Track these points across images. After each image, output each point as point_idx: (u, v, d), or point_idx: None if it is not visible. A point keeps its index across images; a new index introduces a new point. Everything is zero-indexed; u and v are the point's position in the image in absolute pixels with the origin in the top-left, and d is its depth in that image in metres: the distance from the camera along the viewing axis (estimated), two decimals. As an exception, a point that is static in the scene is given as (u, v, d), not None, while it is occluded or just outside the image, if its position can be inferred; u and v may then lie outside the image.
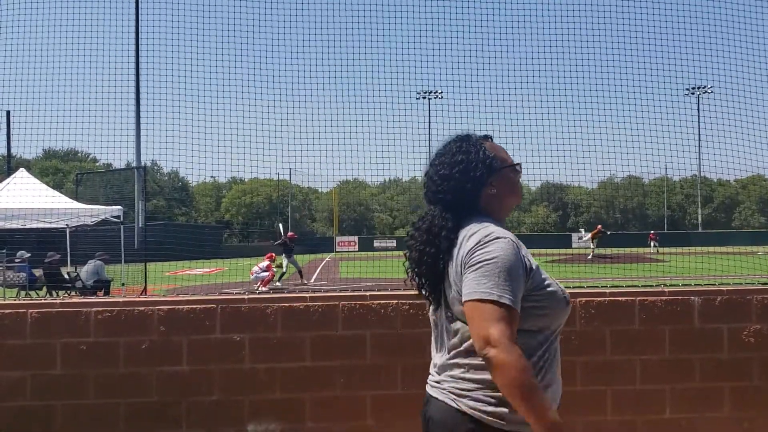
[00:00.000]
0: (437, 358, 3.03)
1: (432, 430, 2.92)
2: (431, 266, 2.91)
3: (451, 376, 2.87)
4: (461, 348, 2.84)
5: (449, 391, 2.85)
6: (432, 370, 3.08)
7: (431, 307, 3.10)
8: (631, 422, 6.56)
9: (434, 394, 2.95)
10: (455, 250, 2.83)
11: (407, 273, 3.12)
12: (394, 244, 72.83)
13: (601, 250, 40.44)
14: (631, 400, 6.55)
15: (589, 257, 39.12)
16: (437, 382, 2.96)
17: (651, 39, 10.09)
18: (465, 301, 2.69)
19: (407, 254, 3.10)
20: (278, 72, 10.13)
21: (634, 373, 6.56)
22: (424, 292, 3.06)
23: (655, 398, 6.57)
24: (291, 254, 26.07)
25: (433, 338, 3.14)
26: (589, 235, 44.63)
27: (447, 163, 3.00)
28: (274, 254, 24.15)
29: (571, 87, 10.61)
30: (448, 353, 2.91)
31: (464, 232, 2.85)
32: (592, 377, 6.56)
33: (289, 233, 27.54)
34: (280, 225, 33.47)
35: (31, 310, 6.33)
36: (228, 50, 10.21)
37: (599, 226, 46.56)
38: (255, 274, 22.80)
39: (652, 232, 61.27)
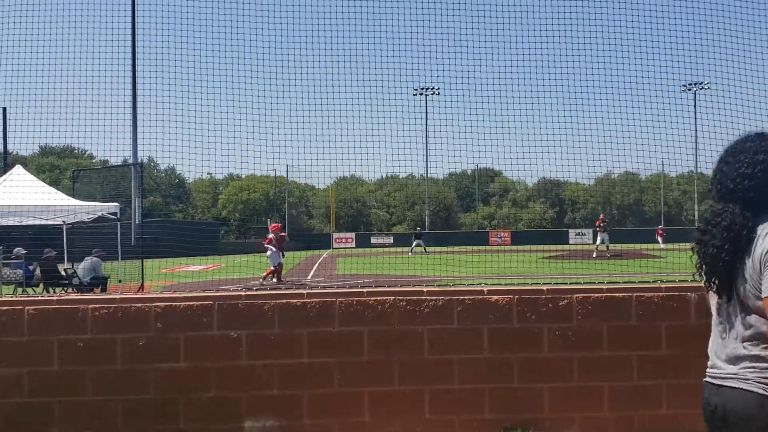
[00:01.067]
0: (728, 349, 3.05)
1: (741, 421, 2.92)
2: (728, 263, 2.95)
3: (754, 367, 2.88)
4: (763, 340, 2.87)
5: (757, 381, 2.86)
6: (716, 361, 3.12)
7: (720, 301, 3.11)
8: (629, 417, 6.58)
9: (734, 385, 2.95)
10: (752, 246, 2.87)
11: (696, 268, 3.15)
12: (392, 241, 72.81)
13: (606, 246, 39.10)
14: (628, 395, 6.57)
15: (594, 255, 37.56)
16: (733, 374, 2.97)
17: (648, 35, 10.11)
18: (764, 297, 2.75)
19: (698, 249, 3.14)
20: (275, 69, 10.13)
21: (631, 369, 6.58)
22: (713, 286, 3.07)
23: (653, 394, 6.58)
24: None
25: (717, 330, 3.17)
26: (599, 232, 41.97)
27: (747, 162, 3.03)
28: (279, 224, 24.50)
29: (569, 84, 10.62)
30: (743, 345, 2.94)
31: (760, 230, 2.88)
32: (589, 373, 6.58)
33: (272, 225, 27.21)
34: (269, 220, 33.44)
35: (28, 307, 6.32)
36: (225, 47, 10.20)
37: (602, 216, 45.20)
38: (269, 250, 23.44)
39: (660, 227, 60.58)
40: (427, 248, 50.82)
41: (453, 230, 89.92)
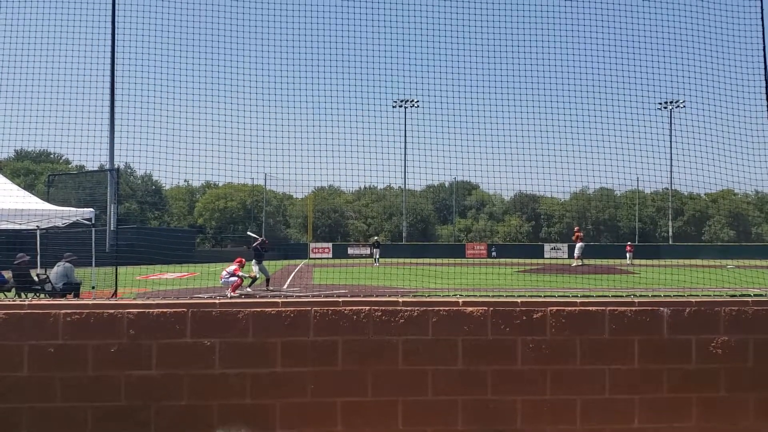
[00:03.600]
0: None
1: None
2: None
3: None
4: None
5: None
6: None
7: None
8: (600, 431, 6.61)
9: None
10: None
11: None
12: (368, 252, 72.71)
13: (576, 261, 39.55)
14: (600, 409, 6.61)
15: (573, 265, 37.86)
16: None
17: (625, 53, 10.21)
18: None
19: None
20: (254, 77, 10.11)
21: (603, 383, 6.62)
22: None
23: (624, 408, 6.63)
24: (261, 260, 25.79)
25: None
26: (576, 244, 42.18)
27: None
28: (243, 259, 23.89)
29: (546, 99, 10.70)
30: None
31: None
32: (562, 386, 6.61)
33: (262, 239, 27.28)
34: (250, 232, 33.28)
35: (-2, 312, 6.25)
36: (204, 54, 10.16)
37: (576, 228, 45.60)
38: (224, 279, 22.62)
39: (629, 243, 61.36)
40: (378, 260, 50.62)
41: (430, 242, 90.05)
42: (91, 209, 19.87)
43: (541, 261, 54.17)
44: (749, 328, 6.72)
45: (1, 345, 6.19)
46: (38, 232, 21.77)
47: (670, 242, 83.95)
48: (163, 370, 6.31)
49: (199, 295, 19.74)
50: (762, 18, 9.21)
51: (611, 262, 44.43)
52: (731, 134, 9.82)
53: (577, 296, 7.06)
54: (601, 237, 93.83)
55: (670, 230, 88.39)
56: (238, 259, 23.44)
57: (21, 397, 6.19)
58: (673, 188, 77.21)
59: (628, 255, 53.34)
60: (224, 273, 22.86)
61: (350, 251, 74.25)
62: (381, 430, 6.44)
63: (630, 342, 6.63)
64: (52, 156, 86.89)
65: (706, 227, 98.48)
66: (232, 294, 21.74)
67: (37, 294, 18.45)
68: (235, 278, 22.54)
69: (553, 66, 10.57)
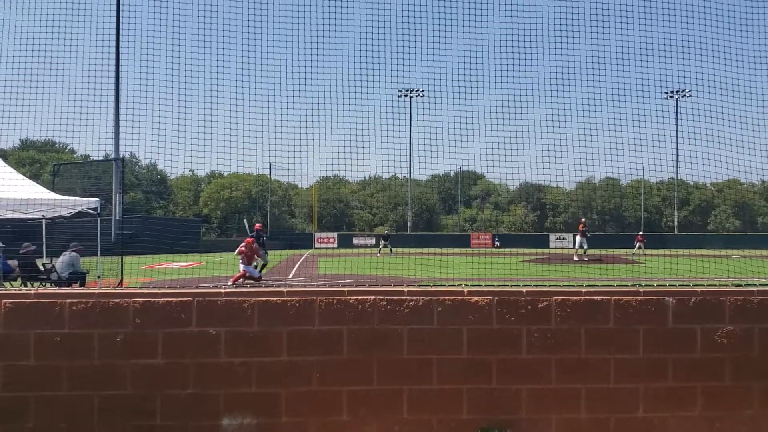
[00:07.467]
0: None
1: None
2: None
3: None
4: None
5: None
6: None
7: None
8: (605, 420, 6.62)
9: None
10: None
11: None
12: (374, 242, 72.75)
13: (584, 250, 39.40)
14: (605, 398, 6.61)
15: (575, 258, 37.75)
16: None
17: (632, 42, 10.16)
18: None
19: None
20: (260, 66, 10.10)
21: (608, 372, 6.63)
22: None
23: (629, 397, 6.63)
24: (262, 247, 25.71)
25: None
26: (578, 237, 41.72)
27: None
28: (252, 238, 23.88)
29: (552, 88, 10.67)
30: None
31: None
32: (566, 375, 6.62)
33: (256, 225, 27.15)
34: (245, 221, 33.26)
35: (4, 301, 6.27)
36: (209, 44, 10.14)
37: (582, 220, 45.12)
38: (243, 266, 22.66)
39: (640, 233, 60.73)
40: (393, 250, 50.48)
41: (435, 232, 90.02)
42: (97, 199, 19.88)
43: (546, 251, 54.15)
44: (754, 318, 6.71)
45: (8, 334, 6.21)
46: (44, 221, 21.82)
47: (676, 232, 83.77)
48: (168, 359, 6.33)
49: (205, 285, 19.77)
50: (769, 6, 9.15)
51: (617, 251, 44.35)
52: (737, 124, 9.77)
53: (582, 286, 7.06)
54: (606, 227, 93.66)
55: (676, 220, 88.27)
56: (248, 240, 23.37)
57: (27, 386, 6.22)
58: (678, 178, 76.85)
59: (637, 245, 52.46)
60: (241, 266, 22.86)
61: (355, 241, 74.29)
62: (386, 419, 6.46)
63: (635, 331, 6.63)
64: (57, 145, 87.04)
65: (711, 217, 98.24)
66: (240, 281, 21.77)
67: (43, 283, 18.49)
68: (251, 267, 22.53)
69: (559, 55, 10.53)
